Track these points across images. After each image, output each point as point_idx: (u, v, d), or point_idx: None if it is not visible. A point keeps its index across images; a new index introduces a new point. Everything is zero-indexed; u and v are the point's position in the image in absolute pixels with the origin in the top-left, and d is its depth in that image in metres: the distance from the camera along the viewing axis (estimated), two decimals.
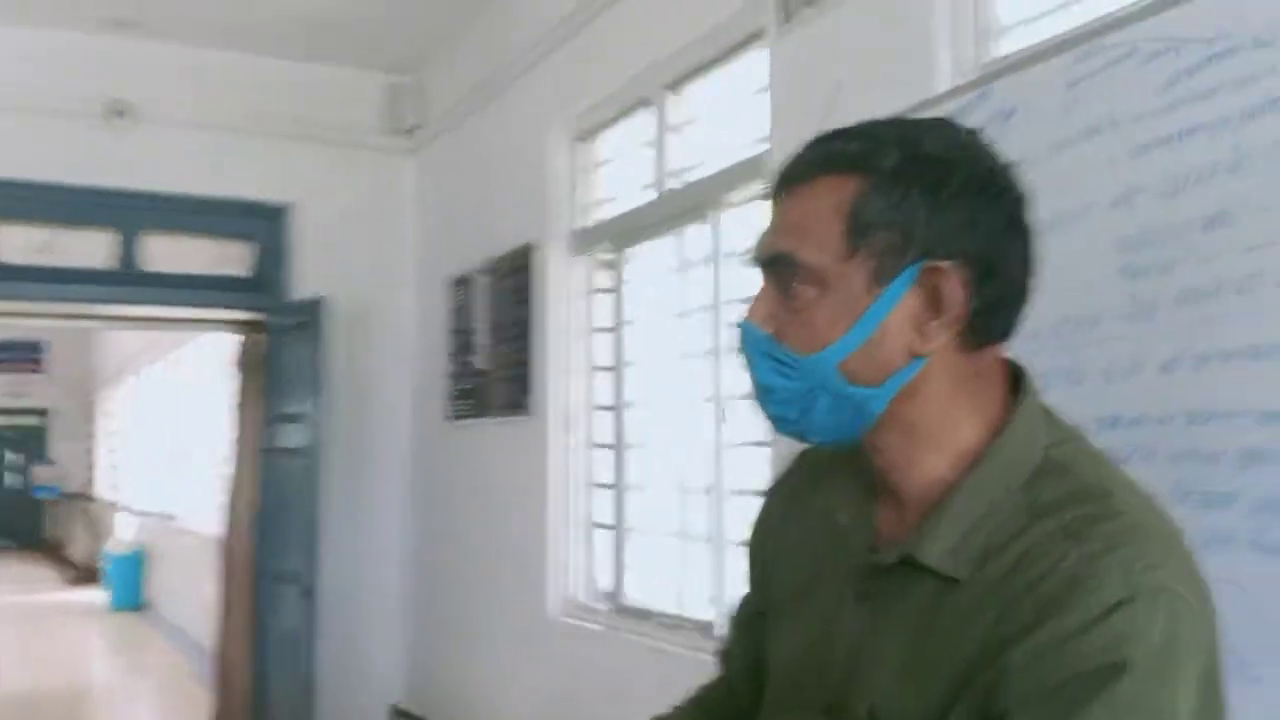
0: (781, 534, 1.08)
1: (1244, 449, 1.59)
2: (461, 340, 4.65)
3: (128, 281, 4.83)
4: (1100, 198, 1.82)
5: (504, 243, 4.26)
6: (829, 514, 0.99)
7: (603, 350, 3.74)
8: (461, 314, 4.66)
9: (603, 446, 3.72)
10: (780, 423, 0.92)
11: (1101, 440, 1.77)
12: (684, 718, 1.17)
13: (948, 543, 0.85)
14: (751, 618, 1.12)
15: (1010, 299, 0.89)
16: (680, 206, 3.25)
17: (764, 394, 0.91)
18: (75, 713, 6.69)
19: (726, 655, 1.18)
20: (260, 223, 5.02)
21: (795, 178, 0.90)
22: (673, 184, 3.35)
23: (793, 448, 1.19)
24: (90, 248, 4.79)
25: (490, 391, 4.36)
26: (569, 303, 3.89)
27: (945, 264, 0.85)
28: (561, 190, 3.93)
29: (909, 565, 0.87)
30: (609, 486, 3.64)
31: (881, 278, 0.86)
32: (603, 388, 3.75)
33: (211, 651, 5.30)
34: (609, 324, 3.69)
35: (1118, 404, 1.77)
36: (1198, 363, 1.66)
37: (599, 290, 3.80)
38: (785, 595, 1.04)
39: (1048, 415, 0.92)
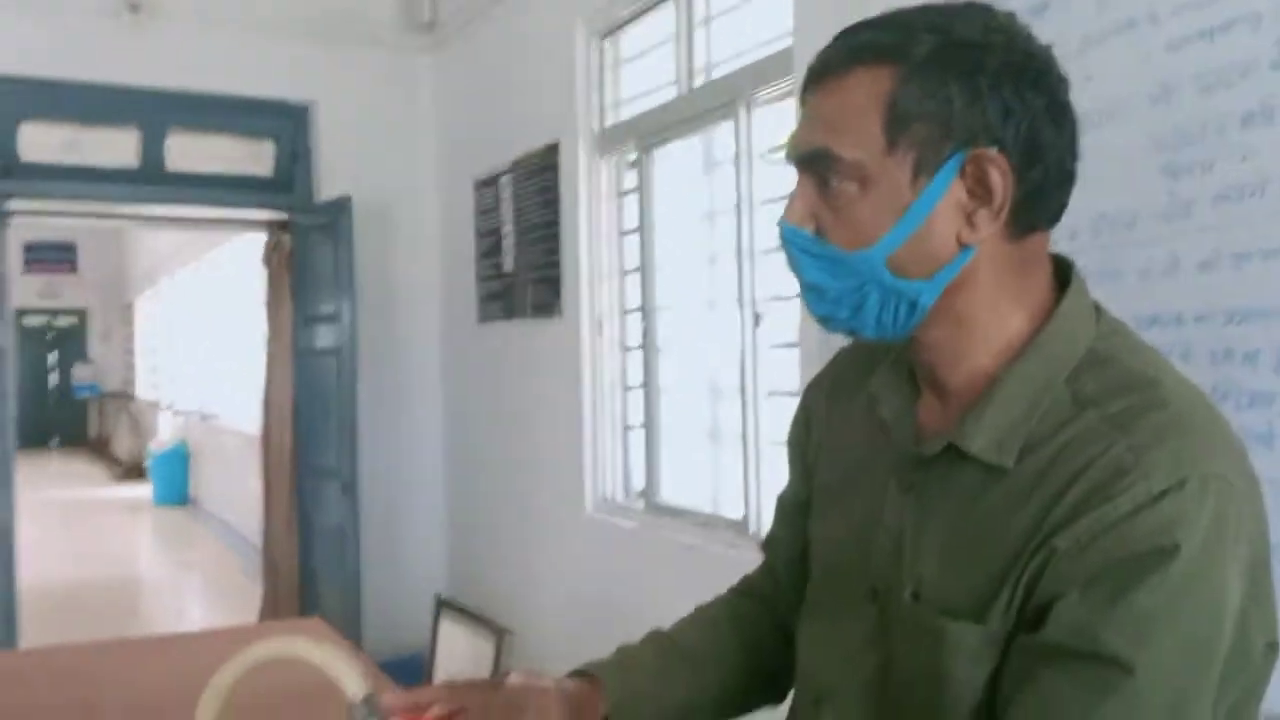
0: (825, 425, 1.08)
1: None
2: (489, 242, 4.64)
3: (153, 181, 4.83)
4: (1137, 94, 1.78)
5: (528, 142, 4.22)
6: (871, 408, 0.99)
7: (632, 252, 3.73)
8: (488, 215, 4.64)
9: (633, 349, 3.73)
10: (831, 321, 0.91)
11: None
12: (730, 605, 1.19)
13: (991, 433, 0.86)
14: (795, 507, 1.13)
15: (1055, 183, 0.87)
16: (706, 104, 3.20)
17: (813, 293, 0.90)
18: (127, 604, 6.92)
19: (771, 543, 1.19)
20: (282, 122, 5.00)
21: (827, 71, 0.88)
22: (698, 81, 3.29)
23: (822, 350, 1.18)
24: (114, 147, 4.79)
25: (519, 294, 4.36)
26: (596, 204, 3.86)
27: (989, 151, 0.83)
28: (585, 88, 3.87)
29: (953, 455, 0.88)
30: (640, 388, 3.66)
31: (924, 169, 0.84)
32: (632, 290, 3.74)
33: (259, 546, 5.45)
34: (636, 226, 3.66)
35: (1155, 303, 1.75)
36: (1237, 261, 1.63)
37: (626, 191, 3.77)
38: (830, 484, 1.05)
39: (1094, 308, 0.91)
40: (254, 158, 5.04)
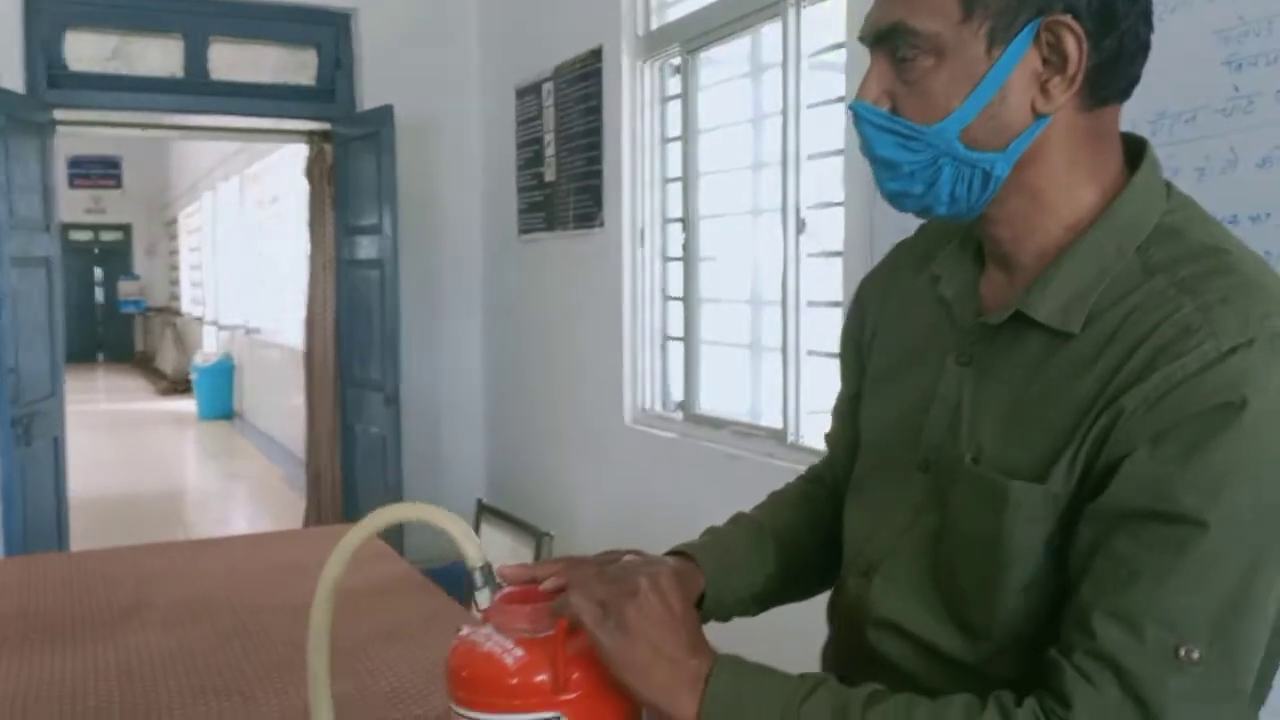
0: (880, 315, 1.10)
1: None
2: (530, 152, 4.61)
3: (196, 90, 4.84)
4: None
5: (571, 48, 4.16)
6: (932, 290, 1.01)
7: (674, 160, 3.68)
8: (530, 124, 4.60)
9: (674, 259, 3.71)
10: (905, 198, 0.92)
11: None
12: (802, 491, 1.22)
13: (1059, 299, 0.87)
14: (849, 401, 1.14)
15: (1129, 53, 0.87)
16: (754, 3, 3.13)
17: (887, 170, 0.91)
18: (173, 515, 7.07)
19: (830, 438, 1.20)
20: (324, 29, 4.98)
21: None
22: None
23: (865, 258, 1.17)
24: (159, 56, 4.80)
25: (560, 204, 4.34)
26: (639, 111, 3.81)
27: (1064, 17, 0.83)
28: None
29: (1018, 322, 0.89)
30: (681, 299, 3.64)
31: (999, 39, 0.84)
32: (674, 200, 3.70)
33: (302, 459, 5.53)
34: (679, 133, 3.61)
35: (1211, 202, 1.69)
36: None
37: (670, 97, 3.71)
38: (884, 367, 1.06)
39: (1166, 185, 0.91)
40: (296, 67, 5.02)
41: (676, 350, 3.73)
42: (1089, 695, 0.77)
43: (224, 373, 11.29)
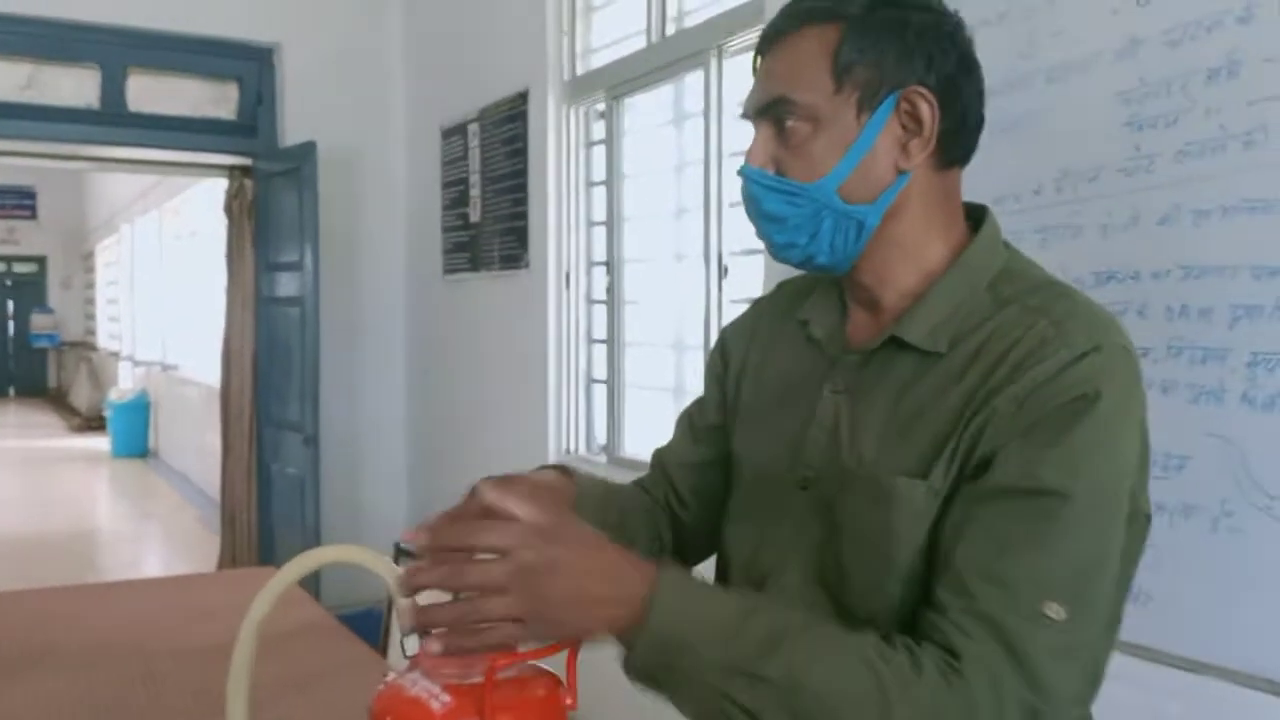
0: (745, 357, 1.21)
1: (1237, 304, 1.59)
2: (455, 192, 4.60)
3: (113, 122, 4.75)
4: (1105, 48, 1.78)
5: (497, 90, 4.17)
6: (800, 333, 1.14)
7: (599, 204, 3.71)
8: (455, 165, 4.60)
9: (599, 302, 3.72)
10: (791, 249, 1.04)
11: (1097, 295, 1.77)
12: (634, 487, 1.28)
13: (926, 326, 1.00)
14: (706, 430, 1.25)
15: (969, 123, 1.03)
16: (677, 53, 3.17)
17: (775, 224, 1.03)
18: (84, 555, 6.87)
19: (664, 454, 1.29)
20: (247, 64, 4.93)
21: (780, 33, 1.03)
22: (669, 30, 3.27)
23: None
24: (74, 86, 4.71)
25: (486, 245, 4.33)
26: (565, 154, 3.83)
27: (920, 88, 0.99)
28: (556, 35, 3.82)
29: (890, 348, 1.02)
30: (605, 342, 3.65)
31: (866, 107, 0.99)
32: (599, 243, 3.72)
33: (218, 498, 5.41)
34: (604, 178, 3.63)
35: (1114, 258, 1.77)
36: (1196, 217, 1.64)
37: (595, 142, 3.74)
38: (756, 404, 1.17)
39: (1004, 242, 1.07)
40: (217, 100, 4.97)
41: (600, 393, 3.73)
42: (972, 647, 0.86)
43: (139, 410, 11.03)
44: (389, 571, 0.96)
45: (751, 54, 1.10)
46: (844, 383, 1.05)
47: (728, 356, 1.24)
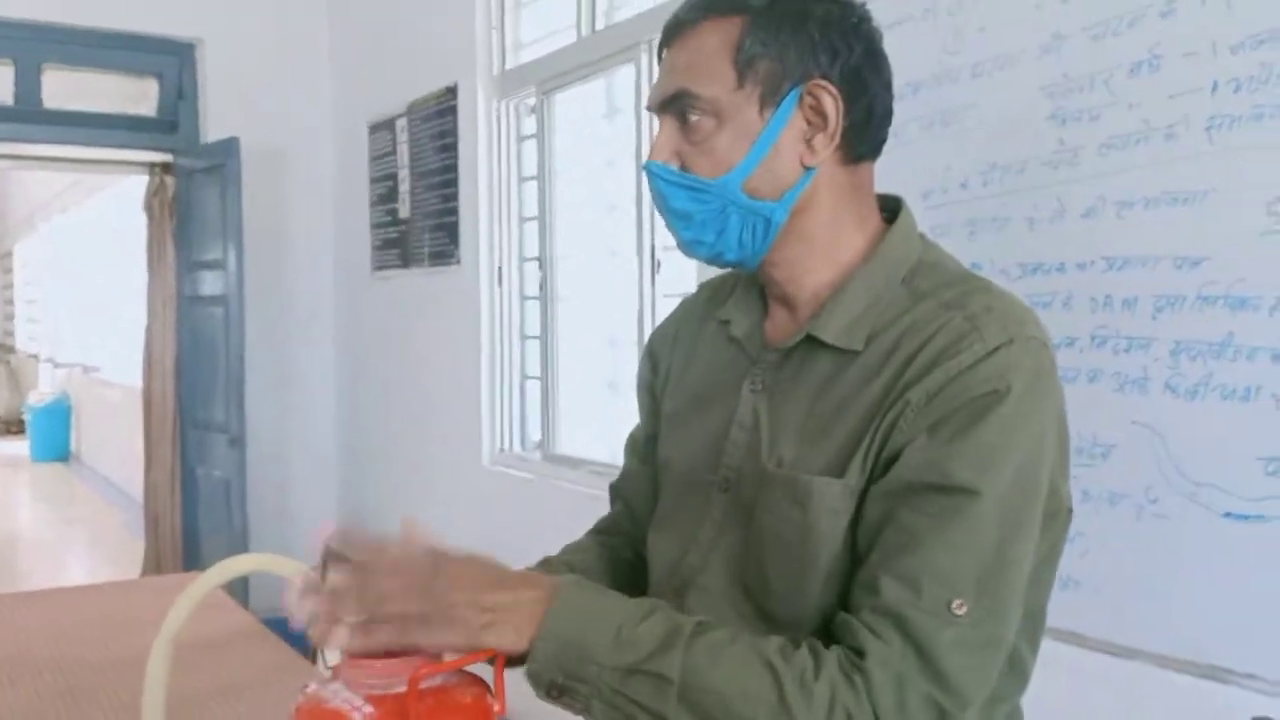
0: (670, 359, 1.20)
1: (1160, 295, 1.62)
2: (384, 187, 4.54)
3: (28, 119, 4.61)
4: (1029, 43, 1.80)
5: (426, 84, 4.12)
6: (720, 333, 1.12)
7: (531, 199, 3.68)
8: (383, 160, 4.53)
9: (532, 298, 3.69)
10: (698, 245, 1.03)
11: (1022, 286, 1.81)
12: (595, 539, 1.27)
13: (842, 323, 0.99)
14: (646, 441, 1.23)
15: (877, 116, 1.01)
16: (608, 48, 3.16)
17: (681, 220, 1.02)
18: (7, 561, 6.68)
19: (624, 478, 1.28)
20: (166, 59, 4.81)
21: (682, 26, 1.01)
22: (600, 24, 3.25)
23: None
24: None
25: (416, 241, 4.28)
26: (496, 149, 3.79)
27: (823, 82, 0.97)
28: (485, 29, 3.78)
29: (807, 347, 1.01)
30: (538, 338, 3.63)
31: (769, 102, 0.97)
32: (531, 239, 3.69)
33: (143, 502, 5.29)
34: (536, 173, 3.60)
35: (1040, 250, 1.79)
36: (1119, 208, 1.67)
37: (526, 137, 3.71)
38: (680, 406, 1.15)
39: (920, 233, 1.06)
40: (137, 96, 4.84)
41: (535, 390, 3.70)
42: (878, 646, 0.87)
43: (60, 413, 10.75)
44: (296, 571, 0.93)
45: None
46: (763, 381, 1.04)
47: (655, 363, 1.23)
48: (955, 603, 0.87)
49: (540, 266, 3.58)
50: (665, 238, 2.93)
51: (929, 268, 1.01)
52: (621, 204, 3.16)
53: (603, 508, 3.09)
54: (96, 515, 8.15)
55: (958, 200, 1.92)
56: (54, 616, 2.11)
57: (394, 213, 4.45)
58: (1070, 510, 0.99)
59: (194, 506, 4.85)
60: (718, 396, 1.08)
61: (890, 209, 1.07)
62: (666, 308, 2.95)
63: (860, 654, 0.87)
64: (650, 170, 1.02)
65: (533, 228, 3.66)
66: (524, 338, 3.77)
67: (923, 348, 0.93)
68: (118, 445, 8.09)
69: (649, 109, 1.05)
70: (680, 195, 1.00)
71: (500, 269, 3.79)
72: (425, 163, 4.17)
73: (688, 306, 1.24)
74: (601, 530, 1.29)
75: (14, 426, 12.39)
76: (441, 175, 4.05)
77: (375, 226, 4.62)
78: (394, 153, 4.42)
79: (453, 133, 3.95)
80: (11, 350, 14.99)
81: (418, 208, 4.25)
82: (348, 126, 4.86)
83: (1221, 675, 1.55)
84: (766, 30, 0.97)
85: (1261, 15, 1.48)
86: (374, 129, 4.59)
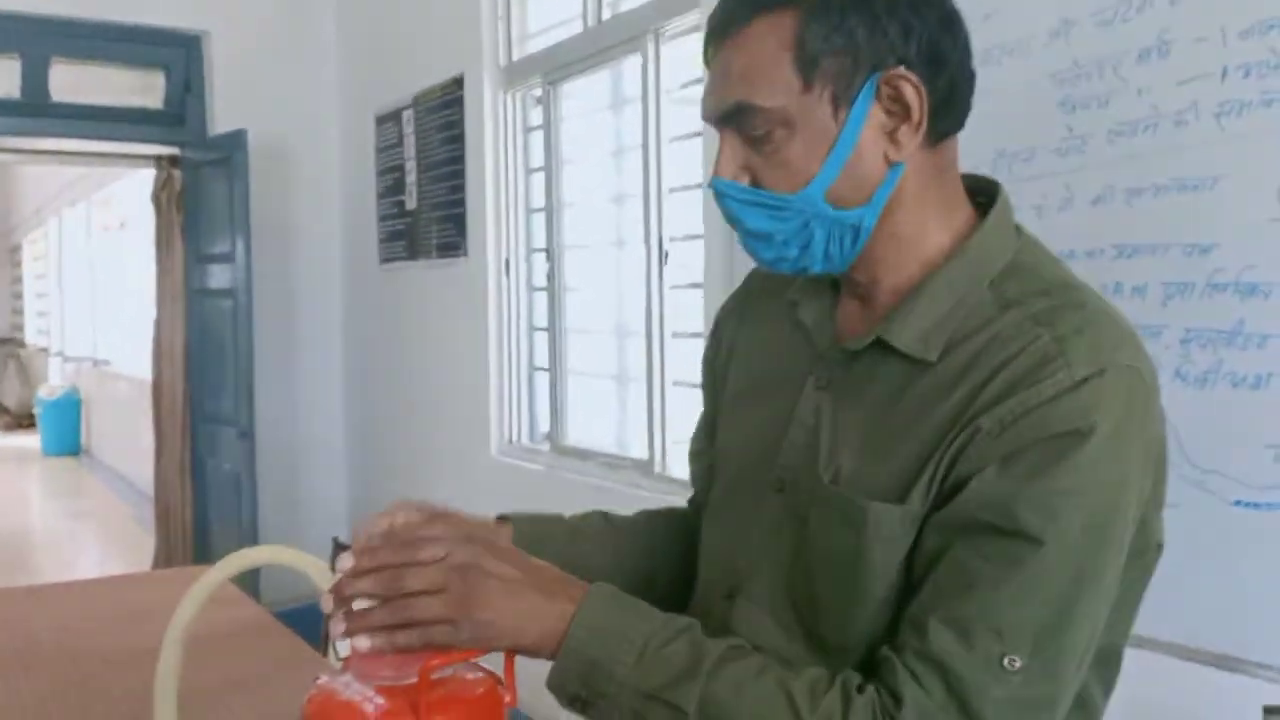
0: (735, 336, 1.12)
1: (1170, 282, 1.61)
2: (391, 179, 4.54)
3: (36, 113, 4.62)
4: (1037, 29, 1.79)
5: (432, 76, 4.12)
6: (788, 315, 1.03)
7: (538, 191, 3.67)
8: (390, 152, 4.53)
9: (540, 289, 3.69)
10: (781, 263, 0.94)
11: None
12: (675, 510, 1.23)
13: (917, 329, 0.89)
14: (708, 426, 1.16)
15: (961, 87, 0.91)
16: (613, 38, 3.15)
17: (760, 241, 0.93)
18: (18, 555, 6.70)
19: (695, 457, 1.20)
20: (173, 51, 4.81)
21: (729, 26, 0.90)
22: (605, 14, 3.24)
23: (727, 289, 1.20)
24: None
25: (423, 233, 4.28)
26: (502, 140, 3.79)
27: (899, 69, 0.87)
28: (491, 19, 3.78)
29: (878, 350, 0.91)
30: (546, 330, 3.63)
31: (843, 101, 0.87)
32: (538, 229, 3.69)
33: (153, 496, 5.31)
34: (542, 164, 3.60)
35: (1049, 238, 1.76)
36: (1128, 196, 1.66)
37: (532, 128, 3.71)
38: (740, 391, 1.08)
39: (1016, 226, 0.96)
40: (144, 89, 4.84)
41: (543, 381, 3.70)
42: (918, 695, 0.81)
43: (70, 407, 10.77)
44: (317, 571, 0.93)
45: (689, 37, 1.02)
46: (829, 379, 0.96)
47: (719, 340, 1.15)
48: (1008, 659, 0.80)
49: (548, 258, 3.58)
50: (673, 228, 2.92)
51: (1023, 271, 0.90)
52: (629, 194, 3.15)
53: (610, 499, 3.10)
54: (107, 508, 8.18)
55: None
56: (65, 609, 2.12)
57: (401, 204, 4.45)
58: (1160, 546, 0.92)
59: (204, 499, 4.86)
60: (779, 386, 1.00)
61: (986, 193, 0.96)
62: (675, 298, 2.96)
63: (897, 700, 0.81)
64: (719, 190, 0.91)
65: (540, 219, 3.65)
66: (532, 329, 3.77)
67: (1003, 368, 0.84)
68: (128, 438, 8.11)
69: (705, 120, 0.93)
70: (756, 215, 0.91)
71: (508, 260, 3.79)
72: (432, 154, 4.17)
73: (756, 280, 1.14)
74: (687, 505, 1.23)
75: (24, 420, 12.43)
76: (448, 167, 4.04)
77: (382, 218, 4.62)
78: (401, 144, 4.42)
79: (459, 124, 3.95)
80: (21, 344, 15.03)
81: (425, 199, 4.25)
82: (354, 118, 4.86)
83: (1231, 664, 1.55)
84: (827, 20, 0.86)
85: (1272, 1, 1.47)
86: (381, 120, 4.59)
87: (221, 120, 4.75)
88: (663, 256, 2.97)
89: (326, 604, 0.88)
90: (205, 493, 4.85)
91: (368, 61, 4.77)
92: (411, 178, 4.34)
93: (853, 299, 0.98)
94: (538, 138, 3.64)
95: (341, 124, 5.02)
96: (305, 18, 4.97)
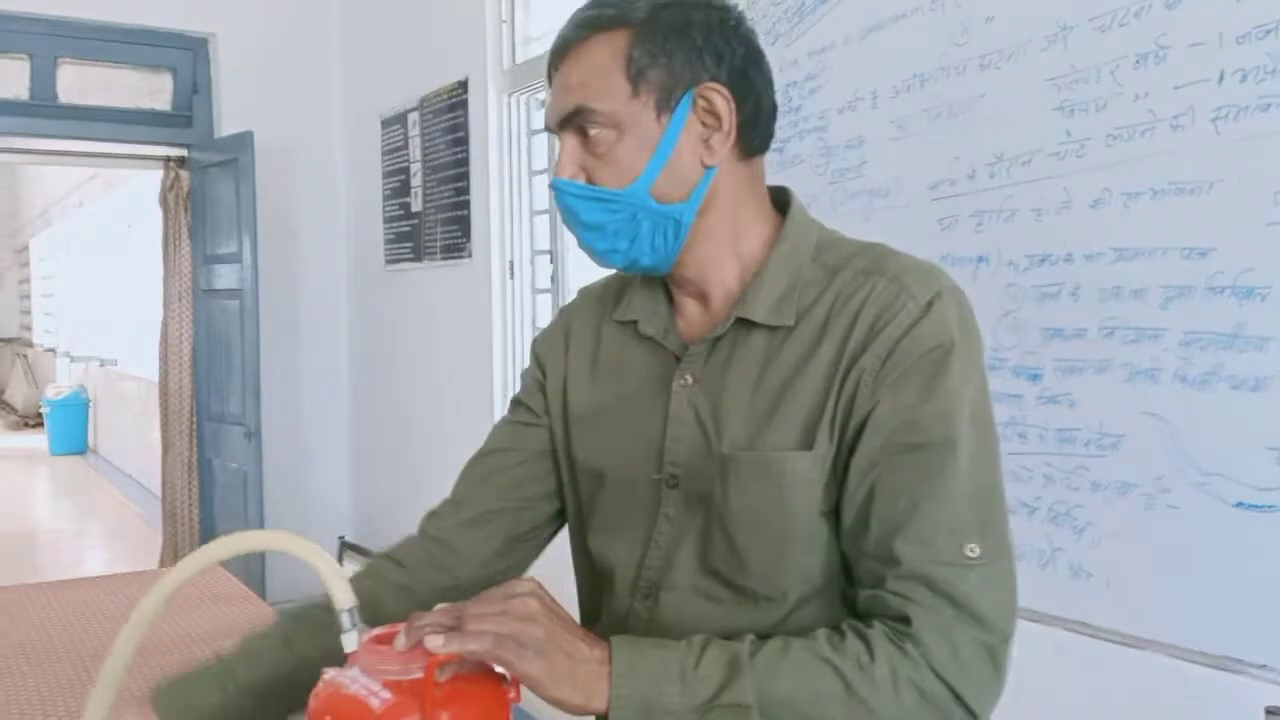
0: (565, 363, 1.19)
1: (1169, 285, 1.62)
2: (396, 181, 4.55)
3: (43, 114, 4.65)
4: (1035, 35, 1.80)
5: (437, 78, 4.14)
6: (626, 331, 1.13)
7: (542, 193, 3.69)
8: (395, 154, 4.55)
9: (544, 291, 3.71)
10: (613, 254, 1.05)
11: (1030, 277, 1.81)
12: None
13: (769, 303, 1.03)
14: (530, 435, 1.21)
15: (764, 112, 1.05)
16: None
17: (594, 232, 1.04)
18: (26, 554, 6.73)
19: (481, 470, 1.27)
20: (180, 53, 4.84)
21: (570, 44, 1.03)
22: None
23: None
24: (2, 77, 4.59)
25: (428, 235, 4.30)
26: (507, 143, 3.80)
27: (713, 84, 1.01)
28: (495, 23, 3.80)
29: (737, 330, 1.04)
30: None
31: (665, 108, 1.00)
32: (542, 231, 3.71)
33: (160, 495, 5.33)
34: (546, 166, 3.61)
35: (1048, 241, 1.79)
36: (1127, 200, 1.67)
37: (537, 131, 3.72)
38: (593, 406, 1.15)
39: (810, 216, 1.11)
40: (151, 91, 4.87)
41: None
42: (916, 610, 0.91)
43: (77, 406, 10.81)
44: (322, 563, 0.94)
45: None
46: (693, 375, 1.06)
47: (544, 367, 1.23)
48: (968, 548, 0.92)
49: (551, 260, 3.60)
50: None
51: (831, 244, 1.06)
52: None
53: None
54: (114, 508, 8.21)
55: (965, 192, 1.92)
56: (71, 606, 2.13)
57: (406, 206, 4.46)
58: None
59: (210, 498, 4.88)
60: (641, 396, 1.09)
61: (780, 198, 1.11)
62: None
63: (905, 621, 0.91)
64: (558, 188, 1.04)
65: (544, 221, 3.67)
66: (535, 331, 3.78)
67: (858, 315, 0.98)
68: (134, 438, 8.15)
69: (547, 128, 1.07)
70: (590, 208, 1.03)
71: (512, 262, 3.80)
72: (437, 156, 4.18)
73: (571, 312, 1.24)
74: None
75: (32, 420, 12.48)
76: (453, 169, 4.06)
77: (388, 220, 4.64)
78: (406, 147, 4.44)
79: (464, 126, 3.96)
80: (29, 344, 15.08)
81: (430, 201, 4.26)
82: (360, 120, 4.88)
83: (1233, 665, 1.56)
84: (653, 40, 1.00)
85: (1268, 5, 1.48)
86: (386, 123, 4.60)
87: (228, 122, 4.77)
88: None
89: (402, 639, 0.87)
90: (211, 492, 4.87)
91: (373, 64, 4.78)
92: (417, 180, 4.36)
93: (689, 300, 1.10)
94: (541, 140, 3.66)
95: (347, 126, 5.04)
96: (311, 21, 4.99)
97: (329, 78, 5.04)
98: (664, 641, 0.93)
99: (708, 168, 1.03)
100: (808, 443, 0.98)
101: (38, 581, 2.65)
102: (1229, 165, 1.53)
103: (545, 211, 3.63)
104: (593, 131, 1.01)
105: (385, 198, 4.65)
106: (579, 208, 1.03)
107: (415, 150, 4.36)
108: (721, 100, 1.01)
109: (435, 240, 4.23)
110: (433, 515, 1.28)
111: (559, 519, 1.22)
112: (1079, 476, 1.75)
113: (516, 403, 1.25)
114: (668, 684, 0.89)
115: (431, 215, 4.25)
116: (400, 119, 4.47)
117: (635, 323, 1.12)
